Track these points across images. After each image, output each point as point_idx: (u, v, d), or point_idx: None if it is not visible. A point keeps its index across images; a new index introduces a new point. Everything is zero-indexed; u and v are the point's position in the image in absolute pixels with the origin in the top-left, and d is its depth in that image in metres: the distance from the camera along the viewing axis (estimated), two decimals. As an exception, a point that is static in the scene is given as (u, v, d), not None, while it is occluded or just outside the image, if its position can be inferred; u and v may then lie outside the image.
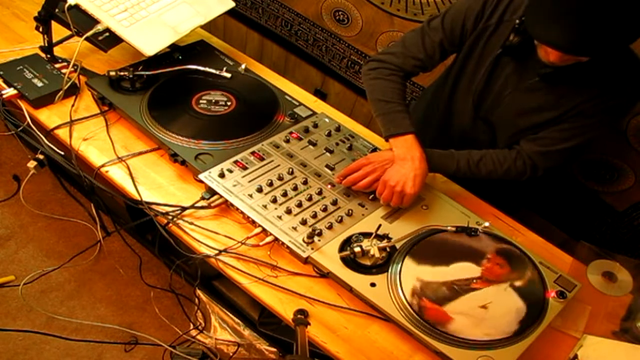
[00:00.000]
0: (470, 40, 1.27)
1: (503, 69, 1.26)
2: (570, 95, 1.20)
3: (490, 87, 1.31)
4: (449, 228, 1.19)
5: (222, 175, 1.23)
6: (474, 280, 1.10)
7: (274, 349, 1.49)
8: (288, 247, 1.13)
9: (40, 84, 1.39)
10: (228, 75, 1.50)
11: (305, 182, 1.25)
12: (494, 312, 1.06)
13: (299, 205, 1.19)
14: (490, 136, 1.39)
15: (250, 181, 1.23)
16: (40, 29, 1.43)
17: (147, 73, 1.43)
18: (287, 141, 1.35)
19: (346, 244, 1.14)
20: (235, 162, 1.27)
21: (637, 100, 1.20)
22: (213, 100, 1.43)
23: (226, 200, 1.20)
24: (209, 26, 1.61)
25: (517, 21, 1.16)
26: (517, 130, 1.31)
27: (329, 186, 1.26)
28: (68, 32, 1.50)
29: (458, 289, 1.08)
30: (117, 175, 1.27)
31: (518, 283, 1.11)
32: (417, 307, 1.03)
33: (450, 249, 1.16)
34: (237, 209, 1.18)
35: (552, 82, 1.19)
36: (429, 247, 1.15)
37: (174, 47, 1.55)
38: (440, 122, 1.49)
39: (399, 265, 1.11)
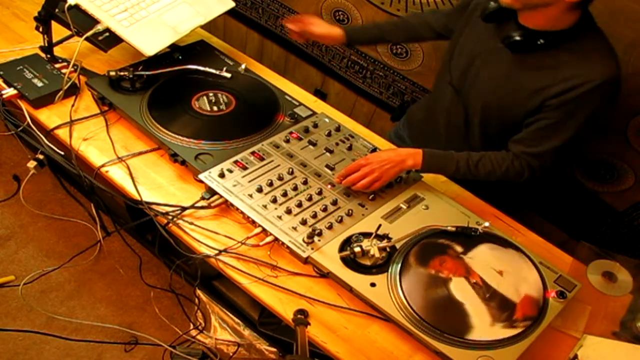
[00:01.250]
0: (461, 22, 1.38)
1: (477, 34, 1.34)
2: (534, 74, 1.23)
3: (464, 53, 1.37)
4: (449, 228, 1.19)
5: (222, 175, 1.23)
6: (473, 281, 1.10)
7: (274, 349, 1.49)
8: (288, 247, 1.13)
9: (40, 84, 1.39)
10: (228, 75, 1.50)
11: (305, 182, 1.25)
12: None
13: (299, 205, 1.19)
14: (464, 117, 1.42)
15: (250, 181, 1.23)
16: (40, 29, 1.43)
17: (147, 73, 1.43)
18: (287, 141, 1.35)
19: (346, 244, 1.14)
20: (235, 162, 1.27)
21: (609, 89, 1.20)
22: (213, 100, 1.43)
23: (226, 200, 1.20)
24: (209, 26, 1.61)
25: None
26: (484, 105, 1.34)
27: (329, 186, 1.26)
28: (68, 32, 1.50)
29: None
30: (117, 175, 1.27)
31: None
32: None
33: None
34: (237, 209, 1.18)
35: (515, 50, 1.24)
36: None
37: (174, 47, 1.55)
38: (431, 114, 1.54)
39: (399, 265, 1.11)
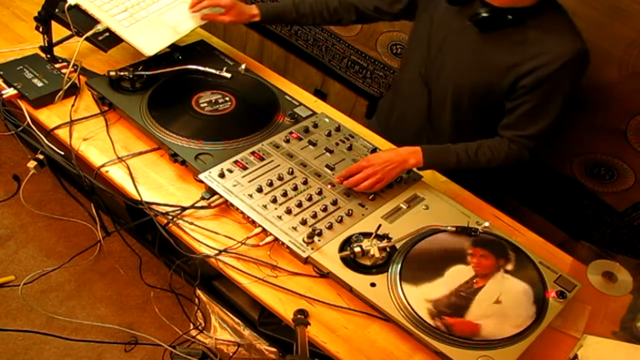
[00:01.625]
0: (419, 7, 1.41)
1: (442, 19, 1.35)
2: (503, 51, 1.25)
3: (427, 39, 1.38)
4: (449, 228, 1.19)
5: (222, 175, 1.23)
6: (474, 280, 1.10)
7: (274, 349, 1.49)
8: (288, 247, 1.13)
9: (40, 84, 1.39)
10: (228, 75, 1.50)
11: (305, 182, 1.25)
12: (508, 302, 1.07)
13: (299, 205, 1.19)
14: (434, 103, 1.43)
15: (250, 181, 1.23)
16: (40, 29, 1.43)
17: (147, 73, 1.43)
18: (287, 141, 1.35)
19: (346, 244, 1.14)
20: (235, 162, 1.27)
21: (580, 62, 1.23)
22: (213, 100, 1.43)
23: (226, 200, 1.20)
24: (209, 26, 1.61)
25: None
26: (456, 88, 1.35)
27: (329, 186, 1.26)
28: (68, 32, 1.50)
29: (465, 294, 1.08)
30: (117, 175, 1.27)
31: (509, 267, 1.13)
32: (445, 328, 1.02)
33: (434, 258, 1.15)
34: (237, 209, 1.18)
35: (483, 28, 1.26)
36: (415, 265, 1.12)
37: (174, 47, 1.55)
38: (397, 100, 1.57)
39: (399, 265, 1.11)
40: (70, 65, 1.40)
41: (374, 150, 1.37)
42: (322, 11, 1.52)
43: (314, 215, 1.18)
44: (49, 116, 1.37)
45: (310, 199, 1.21)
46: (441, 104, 1.42)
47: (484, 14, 1.22)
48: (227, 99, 1.45)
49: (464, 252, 1.16)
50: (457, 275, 1.11)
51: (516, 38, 1.24)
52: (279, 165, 1.29)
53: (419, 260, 1.14)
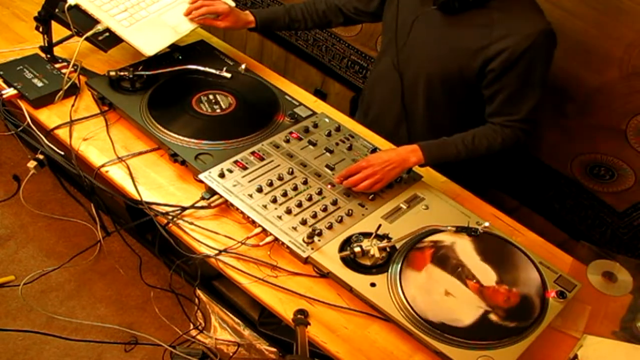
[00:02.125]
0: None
1: (407, 6, 1.37)
2: (469, 33, 1.27)
3: (394, 27, 1.40)
4: (449, 228, 1.19)
5: (222, 175, 1.23)
6: (474, 281, 1.10)
7: (274, 349, 1.49)
8: (288, 247, 1.13)
9: (40, 84, 1.39)
10: (228, 75, 1.50)
11: (305, 182, 1.25)
12: (444, 300, 1.06)
13: (299, 205, 1.19)
14: (407, 91, 1.45)
15: (250, 181, 1.23)
16: (40, 29, 1.43)
17: (147, 73, 1.43)
18: (287, 141, 1.35)
19: (346, 244, 1.14)
20: (235, 162, 1.27)
21: (548, 40, 1.25)
22: (213, 100, 1.43)
23: (226, 200, 1.20)
24: (209, 26, 1.61)
25: None
26: (428, 74, 1.37)
27: (329, 186, 1.26)
28: (68, 32, 1.50)
29: (459, 272, 1.10)
30: (117, 175, 1.27)
31: (493, 317, 1.05)
32: (419, 247, 1.03)
33: (504, 257, 1.16)
34: (237, 209, 1.18)
35: (448, 11, 1.28)
36: (496, 245, 1.17)
37: (174, 47, 1.55)
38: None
39: (399, 265, 1.11)
40: (70, 65, 1.40)
41: (374, 150, 1.37)
42: (312, 14, 1.56)
43: (314, 215, 1.18)
44: (49, 116, 1.37)
45: (310, 199, 1.21)
46: (414, 91, 1.44)
47: None
48: (227, 99, 1.45)
49: (512, 280, 1.12)
50: (482, 270, 1.12)
51: (481, 21, 1.26)
52: (279, 165, 1.29)
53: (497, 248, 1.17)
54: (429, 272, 1.11)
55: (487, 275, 1.12)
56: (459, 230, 1.19)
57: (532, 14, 1.25)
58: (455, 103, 1.41)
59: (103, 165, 1.27)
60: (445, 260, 1.12)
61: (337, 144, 1.37)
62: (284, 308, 1.07)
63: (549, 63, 1.29)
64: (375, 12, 1.53)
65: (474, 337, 1.01)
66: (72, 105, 1.40)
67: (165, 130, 1.32)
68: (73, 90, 1.42)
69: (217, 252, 1.13)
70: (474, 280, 1.10)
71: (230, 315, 1.52)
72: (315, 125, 1.41)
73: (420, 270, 1.10)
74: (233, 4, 1.60)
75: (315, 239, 1.14)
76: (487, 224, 1.21)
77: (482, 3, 1.25)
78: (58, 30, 1.47)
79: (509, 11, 1.24)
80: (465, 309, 1.05)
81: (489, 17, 1.25)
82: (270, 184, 1.23)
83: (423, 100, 1.43)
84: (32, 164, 1.37)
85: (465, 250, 1.15)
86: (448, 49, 1.32)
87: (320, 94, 2.33)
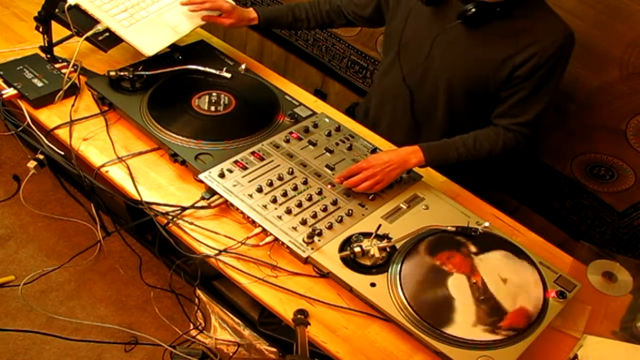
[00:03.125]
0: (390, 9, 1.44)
1: (420, 18, 1.36)
2: (495, 45, 1.27)
3: (410, 39, 1.39)
4: (449, 228, 1.19)
5: (222, 175, 1.23)
6: (474, 280, 1.10)
7: (274, 349, 1.49)
8: (288, 247, 1.13)
9: (40, 84, 1.39)
10: (228, 75, 1.50)
11: (305, 182, 1.25)
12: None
13: (299, 205, 1.19)
14: (411, 105, 1.46)
15: (250, 181, 1.23)
16: (40, 29, 1.43)
17: (147, 73, 1.43)
18: (287, 141, 1.35)
19: (346, 244, 1.14)
20: (235, 162, 1.27)
21: (570, 45, 1.26)
22: (213, 100, 1.43)
23: (226, 200, 1.20)
24: (209, 26, 1.61)
25: None
26: (449, 87, 1.37)
27: (329, 186, 1.26)
28: (68, 32, 1.50)
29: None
30: (117, 175, 1.27)
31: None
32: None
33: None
34: (237, 209, 1.18)
35: (472, 24, 1.27)
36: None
37: (174, 47, 1.55)
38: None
39: (399, 265, 1.11)
40: (70, 65, 1.40)
41: (374, 150, 1.37)
42: (315, 15, 1.57)
43: (314, 215, 1.18)
44: (49, 116, 1.37)
45: (310, 199, 1.21)
46: (432, 104, 1.43)
47: (472, 9, 1.23)
48: (227, 99, 1.45)
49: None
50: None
51: (507, 30, 1.25)
52: (279, 165, 1.29)
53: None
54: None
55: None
56: (459, 230, 1.19)
57: (555, 18, 1.25)
58: (477, 109, 1.41)
59: (103, 165, 1.27)
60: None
61: (337, 144, 1.37)
62: (284, 308, 1.07)
63: (566, 67, 1.30)
64: (369, 18, 1.54)
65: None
66: (72, 105, 1.40)
67: (165, 130, 1.32)
68: (73, 90, 1.42)
69: (217, 252, 1.13)
70: (474, 280, 1.10)
71: (230, 315, 1.52)
72: (315, 125, 1.41)
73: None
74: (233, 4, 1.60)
75: (315, 239, 1.14)
76: (487, 224, 1.21)
77: (507, 13, 1.23)
78: (58, 30, 1.47)
79: (533, 18, 1.24)
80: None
81: (514, 26, 1.24)
82: (270, 184, 1.23)
83: (443, 111, 1.42)
84: (32, 164, 1.37)
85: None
86: (473, 62, 1.31)
87: (320, 94, 2.33)
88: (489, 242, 1.18)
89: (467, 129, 1.35)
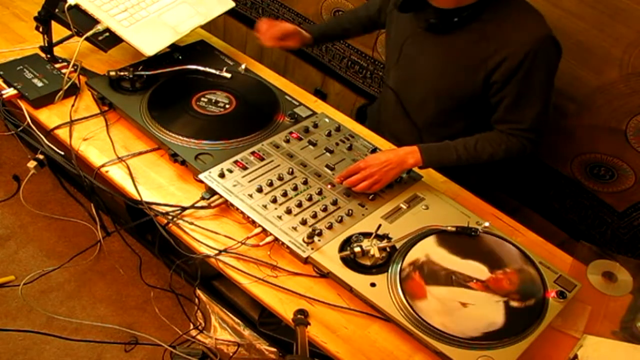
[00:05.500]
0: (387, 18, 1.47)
1: (399, 25, 1.39)
2: (467, 50, 1.27)
3: (392, 47, 1.43)
4: (449, 228, 1.19)
5: (222, 175, 1.23)
6: (474, 281, 1.10)
7: (274, 349, 1.49)
8: (288, 247, 1.13)
9: (40, 84, 1.39)
10: (228, 75, 1.50)
11: (305, 182, 1.25)
12: (468, 313, 1.05)
13: (299, 205, 1.19)
14: (402, 108, 1.48)
15: (250, 181, 1.23)
16: (40, 29, 1.43)
17: (147, 73, 1.43)
18: (287, 141, 1.35)
19: (346, 244, 1.14)
20: (235, 162, 1.27)
21: (547, 46, 1.23)
22: (213, 100, 1.43)
23: (226, 200, 1.20)
24: (209, 26, 1.61)
25: None
26: (436, 92, 1.38)
27: (329, 186, 1.26)
28: (68, 32, 1.50)
29: (455, 279, 1.09)
30: (117, 175, 1.27)
31: (514, 304, 1.08)
32: (405, 275, 1.03)
33: (477, 247, 1.17)
34: (237, 209, 1.18)
35: (439, 32, 1.28)
36: (460, 238, 1.16)
37: (174, 47, 1.55)
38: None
39: (399, 265, 1.11)
40: (70, 65, 1.40)
41: (374, 150, 1.37)
42: (355, 21, 1.60)
43: (314, 215, 1.18)
44: (49, 116, 1.37)
45: (310, 199, 1.21)
46: (423, 107, 1.44)
47: (432, 20, 1.25)
48: (227, 99, 1.45)
49: (501, 264, 1.14)
50: (471, 267, 1.12)
51: (475, 36, 1.25)
52: (279, 165, 1.29)
53: (467, 240, 1.17)
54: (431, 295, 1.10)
55: (479, 270, 1.12)
56: (459, 230, 1.19)
57: (528, 21, 1.23)
58: (470, 112, 1.41)
59: (103, 165, 1.27)
60: (435, 274, 1.11)
61: (337, 144, 1.37)
62: (284, 308, 1.07)
63: (551, 70, 1.28)
64: (376, 20, 1.56)
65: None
66: (72, 105, 1.40)
67: (165, 130, 1.32)
68: (73, 90, 1.42)
69: (217, 252, 1.13)
70: (474, 281, 1.10)
71: (230, 315, 1.52)
72: (315, 125, 1.41)
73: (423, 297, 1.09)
74: (233, 4, 1.61)
75: (315, 239, 1.14)
76: (487, 224, 1.21)
77: (470, 20, 1.24)
78: (58, 30, 1.47)
79: (502, 22, 1.23)
80: (482, 310, 1.06)
81: (483, 31, 1.25)
82: (270, 184, 1.23)
83: (436, 114, 1.43)
84: (32, 164, 1.37)
85: (444, 256, 1.15)
86: (449, 68, 1.32)
87: (320, 94, 2.33)
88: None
89: (468, 132, 1.34)
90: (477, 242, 1.18)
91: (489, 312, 1.06)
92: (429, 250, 1.13)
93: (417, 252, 1.12)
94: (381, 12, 1.53)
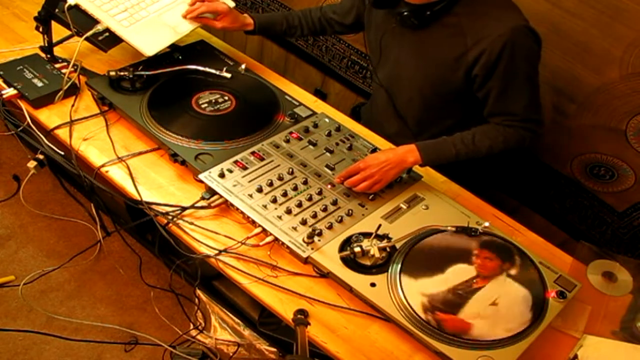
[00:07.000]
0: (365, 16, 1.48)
1: (376, 24, 1.40)
2: (444, 44, 1.28)
3: (373, 47, 1.44)
4: (449, 228, 1.19)
5: (222, 175, 1.23)
6: (474, 280, 1.10)
7: (274, 349, 1.49)
8: (288, 247, 1.13)
9: (40, 84, 1.39)
10: (228, 75, 1.50)
11: (305, 182, 1.25)
12: (504, 305, 1.06)
13: (299, 205, 1.19)
14: (393, 105, 1.48)
15: (250, 181, 1.23)
16: (40, 29, 1.43)
17: (147, 73, 1.43)
18: (287, 141, 1.35)
19: (346, 244, 1.14)
20: (235, 162, 1.27)
21: (524, 35, 1.23)
22: (213, 100, 1.43)
23: (226, 200, 1.20)
24: (209, 26, 1.60)
25: None
26: (421, 88, 1.38)
27: (329, 186, 1.26)
28: (68, 32, 1.50)
29: (463, 293, 1.08)
30: (117, 175, 1.27)
31: (512, 271, 1.13)
32: (436, 323, 1.02)
33: (438, 254, 1.15)
34: (237, 209, 1.18)
35: (412, 27, 1.28)
36: (418, 258, 1.13)
37: (174, 47, 1.55)
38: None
39: (399, 265, 1.11)
40: (70, 65, 1.40)
41: (374, 150, 1.37)
42: (308, 22, 1.59)
43: (314, 215, 1.18)
44: (49, 116, 1.37)
45: (310, 199, 1.21)
46: (410, 104, 1.45)
47: (405, 14, 1.25)
48: (227, 99, 1.45)
49: (469, 252, 1.16)
50: (457, 273, 1.11)
51: (451, 30, 1.26)
52: (279, 165, 1.29)
53: (422, 255, 1.14)
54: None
55: (465, 270, 1.12)
56: (459, 230, 1.19)
57: (502, 13, 1.24)
58: (459, 108, 1.41)
59: (103, 165, 1.27)
60: (451, 302, 1.08)
61: (337, 144, 1.37)
62: (284, 308, 1.07)
63: (532, 59, 1.28)
64: (352, 25, 1.56)
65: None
66: (72, 105, 1.40)
67: (165, 131, 1.32)
68: (73, 90, 1.42)
69: (217, 252, 1.13)
70: (474, 281, 1.10)
71: (230, 315, 1.52)
72: (315, 125, 1.41)
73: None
74: (233, 4, 1.60)
75: (315, 239, 1.14)
76: (487, 224, 1.21)
77: (443, 13, 1.24)
78: (58, 30, 1.47)
79: (476, 15, 1.24)
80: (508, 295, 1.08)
81: (458, 25, 1.25)
82: (270, 184, 1.23)
83: (424, 111, 1.43)
84: (32, 164, 1.37)
85: (435, 281, 1.12)
86: (428, 63, 1.32)
87: (320, 94, 2.33)
88: (526, 270, 1.16)
89: (461, 129, 1.34)
90: (435, 251, 1.16)
91: (512, 291, 1.09)
92: (417, 289, 1.07)
93: (415, 298, 1.05)
94: (350, 14, 1.53)
